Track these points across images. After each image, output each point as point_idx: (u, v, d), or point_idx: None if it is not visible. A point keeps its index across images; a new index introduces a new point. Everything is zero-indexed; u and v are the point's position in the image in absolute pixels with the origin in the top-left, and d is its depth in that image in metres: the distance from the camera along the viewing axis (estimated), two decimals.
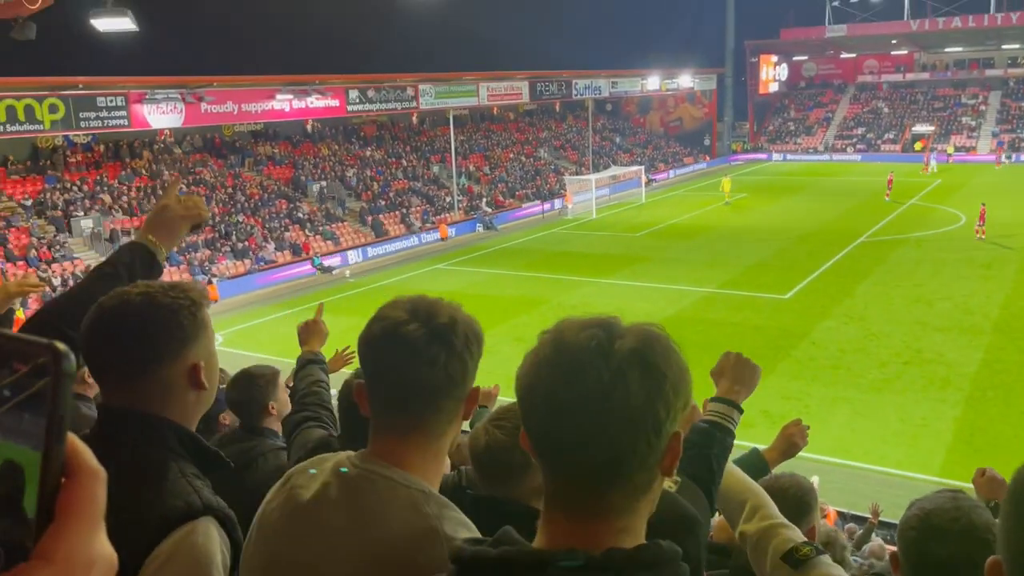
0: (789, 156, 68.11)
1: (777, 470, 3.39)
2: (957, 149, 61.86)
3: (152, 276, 2.09)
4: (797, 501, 2.86)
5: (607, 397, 1.07)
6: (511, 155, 53.24)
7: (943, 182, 48.16)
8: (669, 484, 1.73)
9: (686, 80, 66.79)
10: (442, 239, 38.53)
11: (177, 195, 2.27)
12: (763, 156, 69.14)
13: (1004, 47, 69.50)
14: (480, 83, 46.04)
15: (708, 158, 67.93)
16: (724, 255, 30.74)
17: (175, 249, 2.19)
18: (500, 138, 55.28)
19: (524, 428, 1.15)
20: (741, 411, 2.51)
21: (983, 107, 66.94)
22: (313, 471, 1.54)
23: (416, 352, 1.45)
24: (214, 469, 1.73)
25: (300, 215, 36.81)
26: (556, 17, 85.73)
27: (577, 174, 50.38)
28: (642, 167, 52.55)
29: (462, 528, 1.42)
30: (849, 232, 33.49)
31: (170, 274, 28.55)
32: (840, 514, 11.39)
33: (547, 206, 45.26)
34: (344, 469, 1.50)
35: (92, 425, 1.68)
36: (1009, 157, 57.27)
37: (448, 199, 43.33)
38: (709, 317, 22.87)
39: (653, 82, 62.62)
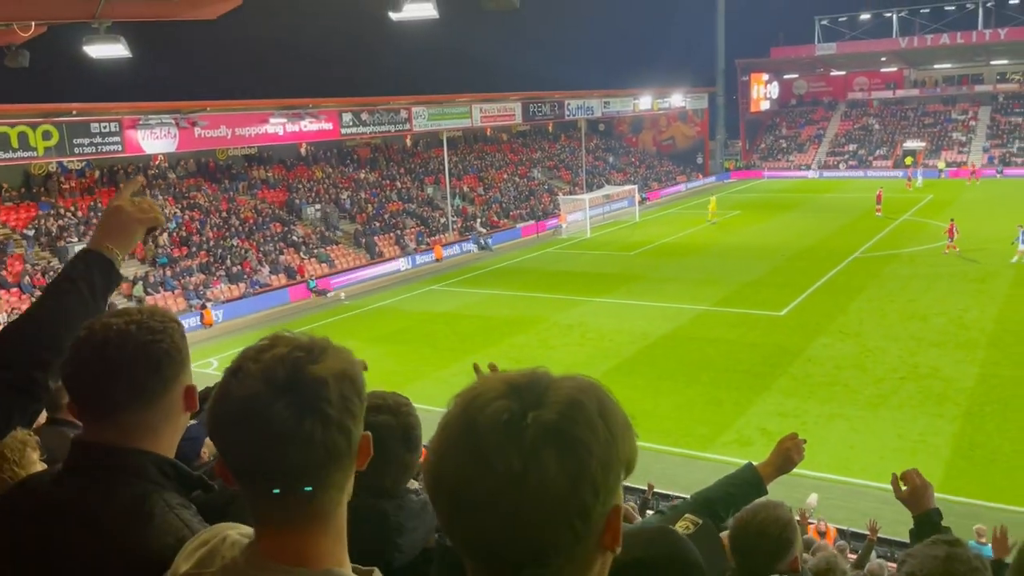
0: (782, 173, 68.43)
1: (773, 487, 3.34)
2: (948, 164, 62.25)
3: (112, 286, 1.99)
4: (777, 539, 2.82)
5: (519, 488, 0.94)
6: (505, 176, 53.42)
7: (934, 197, 48.41)
8: (686, 525, 1.64)
9: (678, 99, 67.20)
10: (437, 260, 38.55)
11: (131, 197, 2.09)
12: (756, 174, 69.47)
13: (992, 63, 70.16)
14: (473, 104, 46.28)
15: (701, 176, 68.23)
16: (719, 273, 30.78)
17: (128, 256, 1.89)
18: (493, 159, 55.49)
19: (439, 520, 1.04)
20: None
21: (973, 122, 67.44)
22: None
23: (282, 437, 1.17)
24: (198, 489, 1.70)
25: (295, 238, 36.81)
26: (548, 39, 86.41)
27: (571, 194, 50.54)
28: (635, 186, 52.75)
29: None
30: (842, 248, 33.59)
31: (164, 300, 28.48)
32: (840, 531, 11.33)
33: (553, 222, 45.40)
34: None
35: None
36: (1000, 171, 57.58)
37: (442, 220, 43.39)
38: (705, 335, 22.85)
39: (645, 102, 63.00)
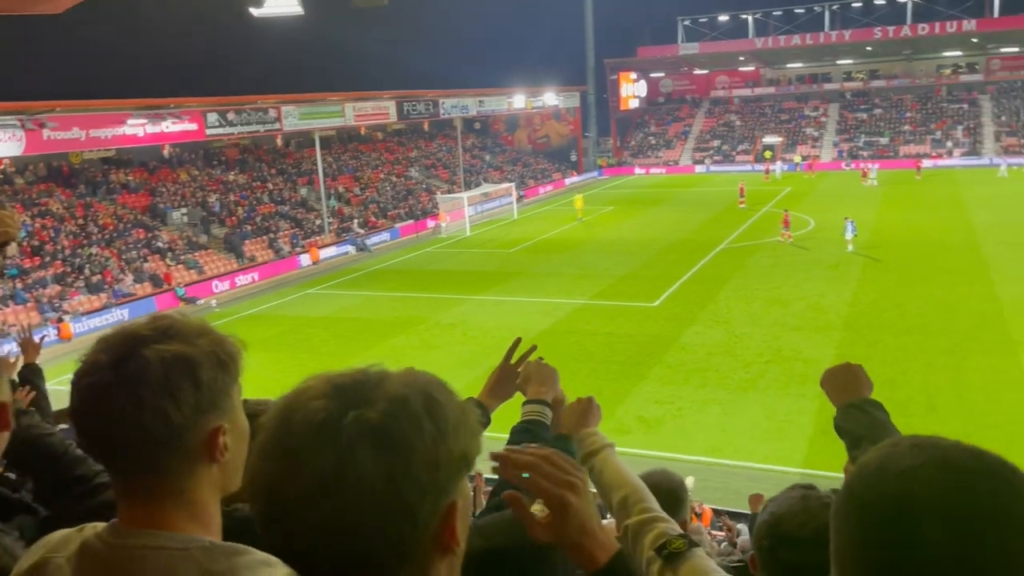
0: (652, 169, 70.79)
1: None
2: (804, 158, 66.12)
3: None
4: (668, 495, 2.89)
5: (333, 490, 0.90)
6: (381, 175, 52.79)
7: (792, 189, 51.29)
8: (539, 508, 1.65)
9: (551, 98, 68.31)
10: (313, 263, 37.66)
11: None
12: (628, 170, 71.55)
13: (839, 62, 75.06)
14: (346, 103, 45.45)
15: (576, 173, 69.63)
16: (595, 267, 31.52)
17: None
18: (369, 158, 54.73)
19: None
20: (548, 405, 2.52)
21: (824, 118, 71.90)
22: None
23: (107, 415, 1.20)
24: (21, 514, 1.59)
25: (160, 244, 35.07)
26: (421, 37, 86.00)
27: (449, 192, 50.50)
28: (513, 184, 53.27)
29: (262, 568, 1.21)
30: (710, 240, 35.08)
31: (16, 314, 26.54)
32: (715, 512, 11.80)
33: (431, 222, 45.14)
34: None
35: None
36: (848, 164, 61.60)
37: (318, 222, 42.42)
38: (583, 328, 23.34)
39: (519, 100, 63.71)
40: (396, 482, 0.92)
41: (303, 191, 46.04)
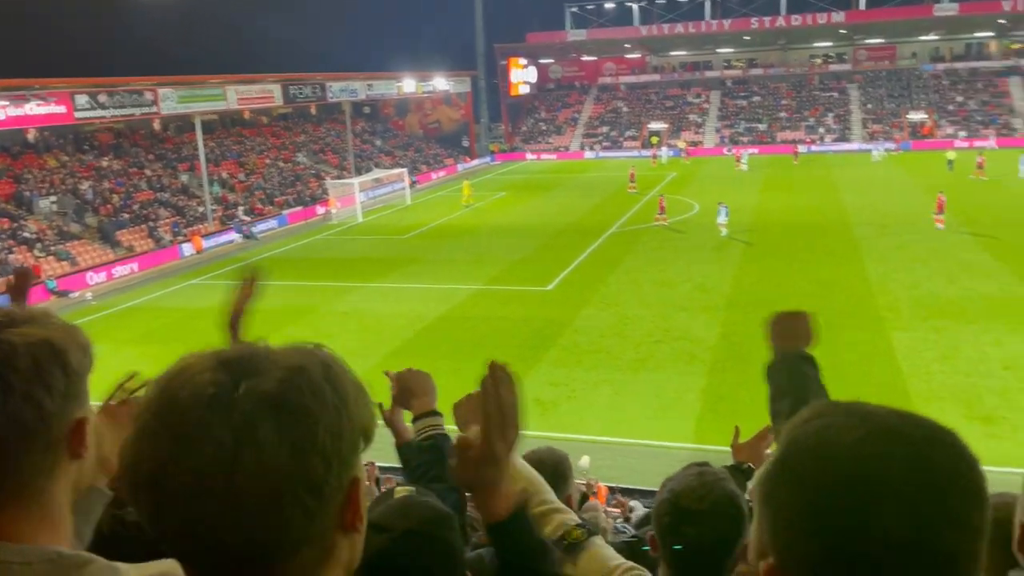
0: (543, 155, 71.50)
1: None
2: (691, 144, 68.24)
3: None
4: (552, 470, 2.92)
5: (232, 467, 0.83)
6: (267, 161, 51.20)
7: (678, 175, 52.89)
8: (406, 490, 1.66)
9: (441, 82, 67.86)
10: (196, 252, 36.20)
11: None
12: (520, 156, 72.00)
13: (719, 51, 77.75)
14: (227, 86, 43.75)
15: (468, 159, 69.55)
16: (490, 252, 31.62)
17: None
18: (254, 143, 52.97)
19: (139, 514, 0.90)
20: (440, 415, 2.50)
21: (706, 105, 74.39)
22: None
23: None
24: None
25: (26, 235, 32.90)
26: (308, 18, 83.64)
27: (339, 178, 49.50)
28: (405, 169, 52.71)
29: (109, 573, 1.13)
30: (601, 224, 35.77)
31: None
32: (610, 489, 12.09)
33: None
34: None
35: None
36: (729, 150, 63.99)
37: (201, 209, 40.77)
38: (479, 313, 23.40)
39: (409, 84, 63.00)
40: (301, 454, 0.86)
41: (184, 177, 44.13)
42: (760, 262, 27.36)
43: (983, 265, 25.12)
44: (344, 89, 55.24)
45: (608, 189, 47.44)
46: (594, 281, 26.20)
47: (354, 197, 43.03)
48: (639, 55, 79.85)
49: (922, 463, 0.90)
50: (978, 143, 58.55)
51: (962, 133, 62.70)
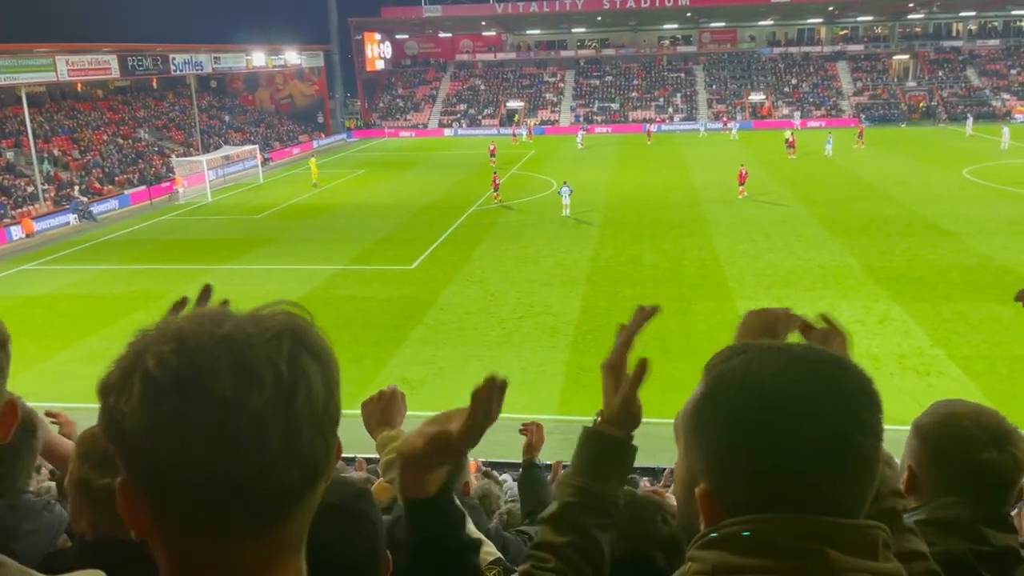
0: (401, 132, 70.66)
1: None
2: (544, 122, 69.28)
3: None
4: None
5: (292, 400, 0.84)
6: (105, 137, 47.87)
7: (536, 152, 53.68)
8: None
9: (293, 56, 65.61)
10: (27, 235, 33.45)
11: None
12: (378, 133, 70.83)
13: (573, 31, 79.25)
14: (57, 56, 40.49)
15: (323, 136, 67.74)
16: (350, 231, 31.01)
17: None
18: (89, 118, 49.35)
19: (150, 478, 0.83)
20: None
21: (562, 84, 75.74)
22: None
23: None
24: None
25: None
26: None
27: (186, 155, 47.01)
28: (256, 146, 50.72)
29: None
30: (462, 202, 35.83)
31: None
32: (481, 463, 12.24)
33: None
34: None
35: None
36: (584, 130, 65.56)
37: (30, 189, 37.66)
38: (341, 294, 22.96)
39: (258, 58, 60.53)
40: (331, 393, 0.89)
41: (9, 155, 40.59)
42: (617, 237, 28.29)
43: (817, 237, 27.06)
44: (188, 62, 52.38)
45: (468, 167, 47.54)
46: (457, 259, 26.27)
47: (203, 175, 41.04)
48: (495, 33, 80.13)
49: (834, 383, 1.02)
50: (811, 123, 62.84)
51: (797, 114, 67.01)
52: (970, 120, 57.47)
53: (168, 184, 42.62)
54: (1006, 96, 66.52)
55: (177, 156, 46.74)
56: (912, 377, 15.80)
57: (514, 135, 61.40)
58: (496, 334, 19.32)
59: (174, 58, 50.79)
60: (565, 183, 32.43)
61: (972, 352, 16.82)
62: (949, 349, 17.00)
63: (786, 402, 1.01)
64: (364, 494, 1.60)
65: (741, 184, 34.49)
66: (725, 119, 65.63)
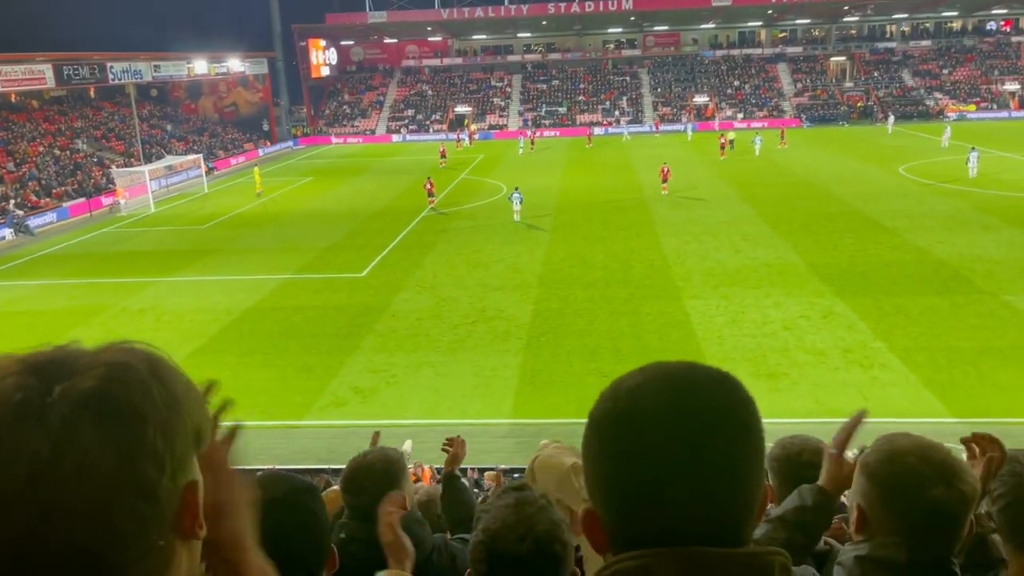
0: (349, 139, 70.06)
1: (365, 441, 3.44)
2: (492, 127, 69.35)
3: None
4: (384, 474, 2.91)
5: (49, 476, 0.76)
6: (41, 148, 46.52)
7: (485, 157, 53.72)
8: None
9: (236, 64, 64.63)
10: None
11: None
12: (324, 140, 70.12)
13: (519, 35, 79.53)
14: None
15: (269, 144, 66.82)
16: (298, 240, 30.64)
17: None
18: (24, 129, 47.93)
19: None
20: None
21: (509, 89, 75.94)
22: None
23: None
24: None
25: None
26: None
27: (126, 166, 45.92)
28: (200, 156, 49.79)
29: None
30: (412, 208, 35.67)
31: None
32: (436, 470, 12.19)
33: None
34: None
35: None
36: (533, 132, 65.81)
37: None
38: (290, 303, 22.65)
39: (200, 66, 59.49)
40: (129, 456, 0.80)
41: None
42: (567, 240, 28.45)
43: (762, 235, 27.58)
44: (127, 70, 51.20)
45: (417, 172, 47.34)
46: (409, 265, 26.14)
47: (145, 186, 40.15)
48: (441, 38, 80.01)
49: (687, 398, 1.01)
50: (754, 124, 64.05)
51: (740, 115, 68.24)
52: (891, 119, 59.97)
53: (109, 195, 41.60)
54: (939, 95, 68.70)
55: (117, 167, 45.63)
56: (856, 371, 16.20)
57: (458, 140, 61.43)
58: (449, 340, 19.27)
59: (112, 66, 49.61)
60: (516, 189, 32.44)
61: (912, 344, 17.31)
62: (890, 342, 17.47)
63: (634, 415, 1.00)
64: (309, 491, 1.59)
65: (664, 182, 35.94)
66: (657, 121, 66.72)
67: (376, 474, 2.91)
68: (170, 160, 47.29)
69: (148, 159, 47.86)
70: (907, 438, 1.82)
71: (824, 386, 15.56)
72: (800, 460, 2.44)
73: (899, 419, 12.53)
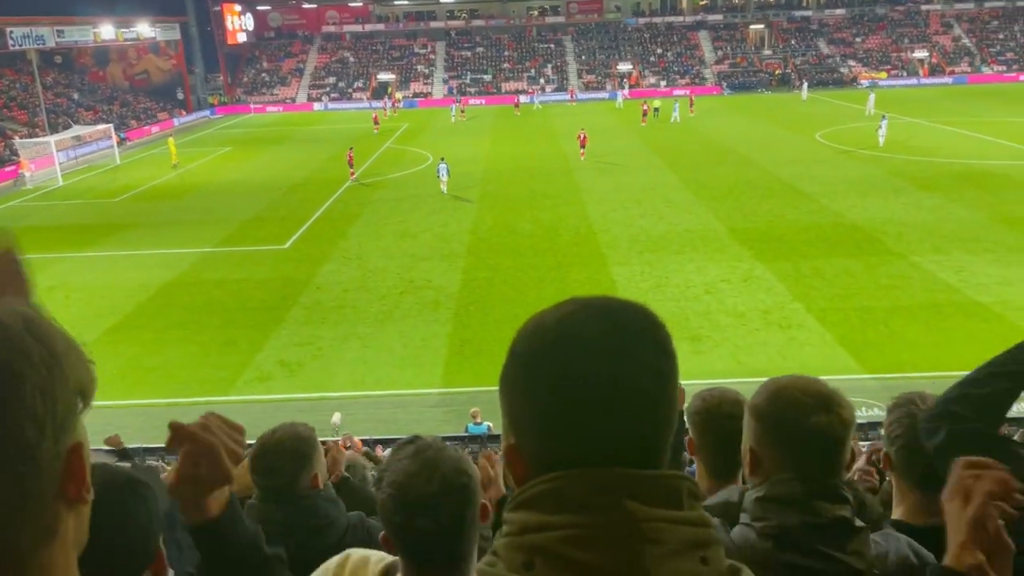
0: (269, 108, 68.12)
1: (297, 413, 3.34)
2: (416, 95, 68.40)
3: None
4: (295, 453, 2.81)
5: None
6: None
7: (410, 125, 53.02)
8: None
9: (146, 29, 61.96)
10: None
11: None
12: (243, 108, 68.03)
13: (442, 1, 78.32)
14: None
15: (184, 113, 64.47)
16: (217, 212, 29.75)
17: None
18: None
19: None
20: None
21: (432, 56, 74.89)
22: None
23: None
24: None
25: None
26: None
27: (31, 136, 43.66)
28: (110, 125, 47.70)
29: None
30: (335, 178, 34.99)
31: None
32: (364, 442, 12.11)
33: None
34: None
35: None
36: (459, 101, 65.18)
37: None
38: (211, 277, 22.04)
39: (107, 31, 56.81)
40: (5, 418, 0.77)
41: None
42: (494, 209, 28.39)
43: (685, 202, 28.05)
44: (28, 36, 48.55)
45: (341, 141, 46.40)
46: (334, 236, 25.70)
47: (52, 157, 38.29)
48: (362, 3, 78.17)
49: (613, 323, 1.03)
50: (677, 92, 64.81)
51: (662, 83, 68.95)
52: (805, 86, 61.72)
53: (12, 168, 39.54)
54: (852, 63, 70.72)
55: (21, 137, 43.34)
56: (775, 331, 16.72)
57: (393, 107, 60.52)
58: (376, 311, 19.08)
59: (12, 32, 46.91)
60: (443, 160, 31.82)
61: (828, 305, 17.95)
62: (807, 303, 18.07)
63: (564, 341, 1.02)
64: (129, 485, 1.50)
65: (582, 148, 36.86)
66: (572, 89, 66.95)
67: (286, 453, 2.81)
68: (78, 130, 45.20)
69: (54, 129, 45.65)
70: (788, 377, 1.93)
71: (744, 347, 16.01)
72: (720, 412, 2.50)
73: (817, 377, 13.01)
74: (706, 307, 18.21)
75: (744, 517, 1.85)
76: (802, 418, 1.82)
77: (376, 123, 49.59)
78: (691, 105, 52.71)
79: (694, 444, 2.59)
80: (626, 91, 64.38)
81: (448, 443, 1.94)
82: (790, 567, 1.70)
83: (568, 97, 65.32)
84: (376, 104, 63.39)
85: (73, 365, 0.84)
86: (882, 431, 2.61)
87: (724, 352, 15.87)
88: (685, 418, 2.61)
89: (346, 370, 16.01)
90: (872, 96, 50.27)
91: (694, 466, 2.69)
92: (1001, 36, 71.04)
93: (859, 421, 4.74)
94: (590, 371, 0.99)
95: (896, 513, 2.39)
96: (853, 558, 1.74)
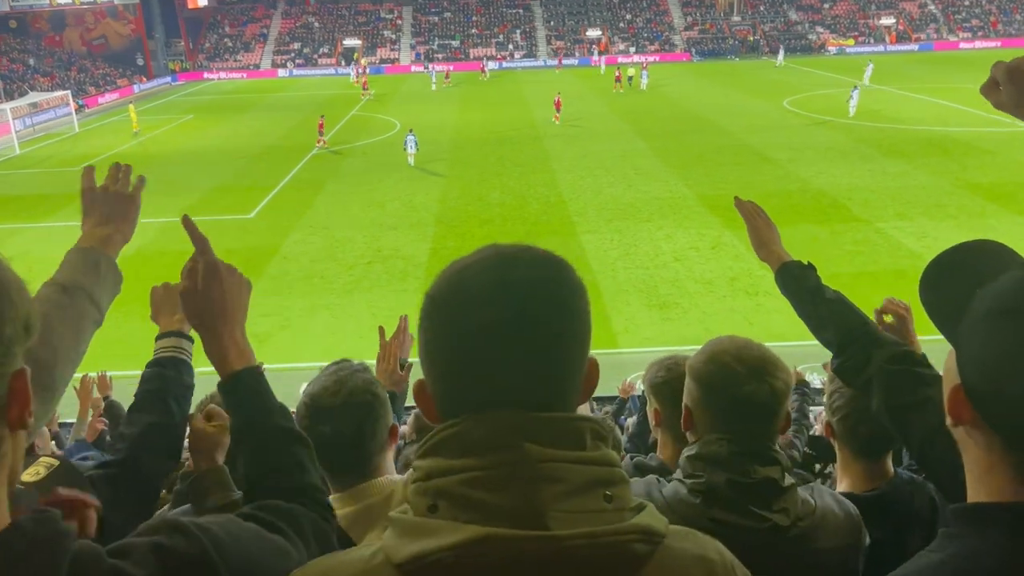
0: (232, 74, 66.76)
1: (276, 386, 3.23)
2: (383, 61, 67.40)
3: None
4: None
5: None
6: None
7: (377, 92, 52.27)
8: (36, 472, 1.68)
9: None
10: None
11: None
12: (207, 75, 66.58)
13: None
14: None
15: (145, 79, 62.97)
16: (181, 181, 29.18)
17: None
18: None
19: None
20: (190, 339, 2.29)
21: (399, 21, 73.72)
22: None
23: None
24: None
25: None
26: None
27: None
28: (68, 92, 46.46)
29: None
30: (302, 146, 34.47)
31: None
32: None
33: None
34: None
35: None
36: (429, 69, 64.34)
37: None
38: (175, 248, 21.59)
39: None
40: None
41: None
42: (463, 177, 28.18)
43: (654, 169, 28.06)
44: None
45: (307, 108, 45.68)
46: (300, 205, 25.37)
47: (7, 125, 37.31)
48: None
49: (509, 275, 1.07)
50: (648, 58, 64.53)
51: (632, 49, 68.60)
52: (782, 52, 61.59)
53: None
54: (820, 30, 70.85)
55: None
56: (743, 297, 16.86)
57: (363, 73, 59.36)
58: (344, 281, 18.93)
59: None
60: (411, 131, 30.89)
61: None
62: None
63: (456, 297, 1.06)
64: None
65: (557, 111, 37.31)
66: (559, 57, 66.47)
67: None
68: (35, 97, 44.01)
69: (10, 96, 44.41)
70: (729, 340, 1.99)
71: (713, 314, 16.14)
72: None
73: (782, 343, 13.13)
74: (675, 274, 18.30)
75: (677, 473, 1.92)
76: (732, 387, 1.87)
77: (365, 88, 49.45)
78: (643, 68, 51.13)
79: (660, 415, 2.57)
80: (601, 58, 63.95)
81: (365, 369, 2.14)
82: (716, 522, 1.76)
83: (544, 63, 64.46)
84: (343, 71, 62.37)
85: (19, 296, 0.87)
86: (823, 400, 2.63)
87: (692, 319, 15.98)
88: (644, 391, 2.62)
89: (316, 341, 15.89)
90: (871, 66, 48.02)
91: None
92: (967, 2, 71.55)
93: (819, 387, 4.81)
94: (483, 325, 1.02)
95: (842, 486, 2.43)
96: (778, 516, 1.80)
